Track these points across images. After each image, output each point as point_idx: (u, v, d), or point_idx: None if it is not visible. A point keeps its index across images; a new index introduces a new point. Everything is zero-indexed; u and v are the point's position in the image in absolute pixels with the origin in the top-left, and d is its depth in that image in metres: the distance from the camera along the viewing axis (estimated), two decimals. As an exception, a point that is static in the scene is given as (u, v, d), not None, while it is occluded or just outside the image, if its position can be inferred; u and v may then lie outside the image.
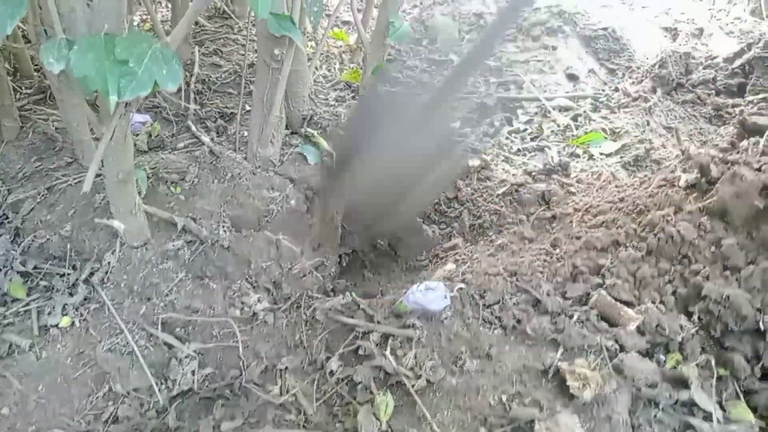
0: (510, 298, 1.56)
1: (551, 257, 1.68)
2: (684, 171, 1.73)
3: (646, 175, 1.89)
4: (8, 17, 1.04)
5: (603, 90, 3.22)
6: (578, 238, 1.71)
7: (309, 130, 2.13)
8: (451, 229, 2.15)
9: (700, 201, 1.58)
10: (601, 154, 2.44)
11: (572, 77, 3.32)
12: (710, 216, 1.52)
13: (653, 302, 1.46)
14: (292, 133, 2.20)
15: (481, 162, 2.30)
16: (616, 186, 1.90)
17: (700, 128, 2.68)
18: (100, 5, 1.11)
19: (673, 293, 1.47)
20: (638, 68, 3.34)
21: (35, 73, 2.50)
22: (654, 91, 2.88)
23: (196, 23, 3.06)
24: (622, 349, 1.37)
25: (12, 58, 2.48)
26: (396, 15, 2.21)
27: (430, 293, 1.58)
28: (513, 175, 2.23)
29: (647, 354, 1.39)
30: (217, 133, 2.20)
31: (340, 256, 2.28)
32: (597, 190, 1.95)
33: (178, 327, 1.57)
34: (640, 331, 1.41)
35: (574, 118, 2.78)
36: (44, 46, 1.07)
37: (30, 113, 2.29)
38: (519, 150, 2.58)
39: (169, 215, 1.69)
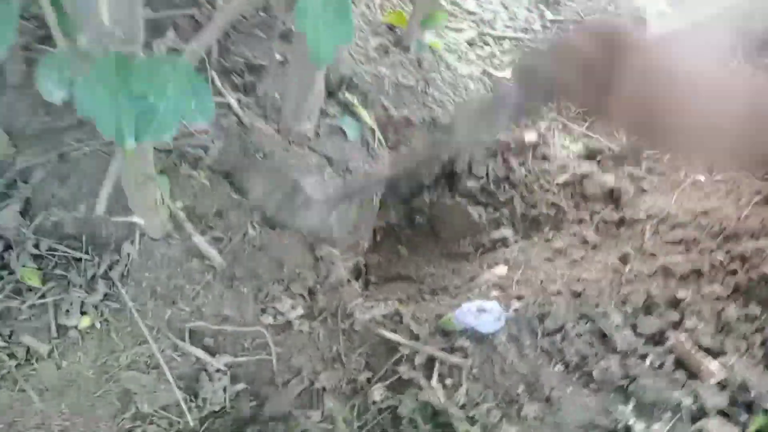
0: (572, 327, 1.41)
1: (620, 277, 1.50)
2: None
3: (733, 181, 1.65)
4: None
5: (672, 35, 2.85)
6: (652, 255, 1.52)
7: (348, 96, 1.87)
8: (500, 215, 1.95)
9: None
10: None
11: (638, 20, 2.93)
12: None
13: (737, 351, 1.31)
14: (327, 95, 1.94)
15: (538, 137, 2.05)
16: (697, 191, 1.67)
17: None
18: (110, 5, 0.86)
19: (763, 344, 1.30)
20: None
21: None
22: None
23: (212, 5, 2.67)
24: (701, 409, 1.23)
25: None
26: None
27: (483, 315, 1.43)
28: (575, 157, 1.98)
29: (726, 413, 1.26)
30: (245, 91, 1.94)
31: (374, 230, 2.11)
32: (673, 190, 1.72)
33: (207, 337, 1.44)
34: (722, 385, 1.27)
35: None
36: (42, 67, 0.84)
37: (36, 54, 2.03)
38: (579, 113, 2.30)
39: (194, 233, 1.49)
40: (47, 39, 2.09)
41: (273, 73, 1.91)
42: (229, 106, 1.84)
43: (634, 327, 1.39)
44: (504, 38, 2.90)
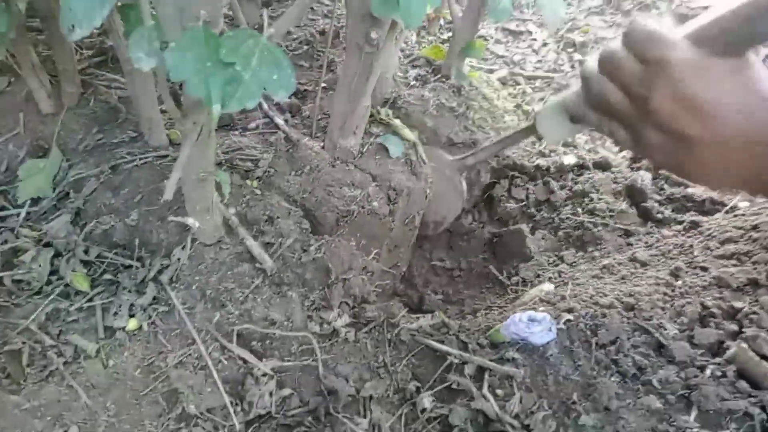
0: (627, 339, 1.38)
1: (673, 290, 1.47)
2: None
3: (782, 198, 1.64)
4: (98, 5, 0.86)
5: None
6: (704, 269, 1.50)
7: (391, 115, 1.92)
8: (542, 237, 1.94)
9: None
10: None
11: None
12: None
13: (803, 361, 1.26)
14: (371, 118, 2.00)
15: (578, 159, 2.07)
16: (744, 209, 1.66)
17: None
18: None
19: (830, 353, 1.26)
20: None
21: (95, 33, 2.32)
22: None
23: (262, -20, 2.83)
24: (770, 419, 1.18)
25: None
26: (497, -12, 1.95)
27: (534, 325, 1.40)
28: (615, 177, 1.99)
29: (796, 425, 1.20)
30: (291, 112, 2.01)
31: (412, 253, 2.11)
32: (717, 208, 1.71)
33: (254, 340, 1.43)
34: (789, 397, 1.22)
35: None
36: (132, 38, 0.88)
37: (91, 77, 2.12)
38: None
39: (247, 236, 1.52)
40: (102, 64, 2.21)
41: (317, 97, 1.98)
42: (276, 126, 1.90)
43: (690, 338, 1.36)
44: (535, 78, 2.99)
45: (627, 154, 2.19)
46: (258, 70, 0.88)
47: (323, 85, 2.08)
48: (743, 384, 1.24)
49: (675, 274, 1.53)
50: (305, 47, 2.36)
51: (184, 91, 1.15)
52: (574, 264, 1.77)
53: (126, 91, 2.06)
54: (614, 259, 1.68)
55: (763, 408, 1.18)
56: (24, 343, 1.39)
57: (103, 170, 1.77)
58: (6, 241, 1.68)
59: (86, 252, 1.64)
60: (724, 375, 1.26)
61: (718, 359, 1.30)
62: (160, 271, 1.54)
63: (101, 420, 1.26)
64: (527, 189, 2.04)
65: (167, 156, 1.77)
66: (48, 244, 1.67)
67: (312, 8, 2.69)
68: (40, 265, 1.63)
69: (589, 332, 1.41)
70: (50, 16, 1.76)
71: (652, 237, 1.75)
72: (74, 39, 0.90)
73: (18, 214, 1.76)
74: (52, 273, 1.62)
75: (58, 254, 1.66)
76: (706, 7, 3.27)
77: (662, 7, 3.25)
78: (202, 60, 0.87)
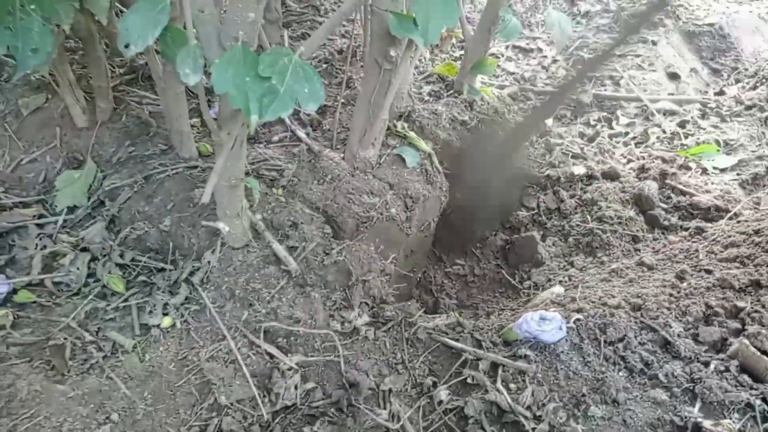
0: (634, 336, 1.45)
1: (678, 291, 1.54)
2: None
3: (783, 205, 1.71)
4: (151, 26, 0.97)
5: (706, 91, 2.99)
6: (709, 272, 1.57)
7: (407, 127, 2.02)
8: (552, 244, 2.02)
9: None
10: (715, 168, 2.25)
11: (673, 76, 3.09)
12: None
13: (803, 357, 1.32)
14: (387, 131, 2.10)
15: (587, 170, 2.15)
16: (747, 216, 1.73)
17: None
18: (235, 13, 1.02)
19: (829, 349, 1.32)
20: (746, 70, 3.09)
21: (127, 52, 2.46)
22: (771, 99, 2.64)
23: (282, 3, 2.97)
24: (771, 409, 1.24)
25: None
26: (507, 9, 2.06)
27: (545, 323, 1.47)
28: (623, 187, 2.07)
29: (797, 416, 1.26)
30: (312, 126, 2.12)
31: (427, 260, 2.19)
32: (722, 215, 1.78)
33: (280, 337, 1.51)
34: (790, 389, 1.28)
35: (682, 125, 2.57)
36: (180, 56, 0.99)
37: (122, 94, 2.25)
38: (623, 156, 2.41)
39: (273, 240, 1.62)
40: (133, 81, 2.34)
41: (337, 112, 2.09)
42: (299, 138, 2.00)
43: (695, 336, 1.42)
44: (545, 93, 3.08)
45: (634, 164, 2.27)
46: (291, 84, 0.99)
47: (342, 101, 2.19)
48: (745, 377, 1.30)
49: (681, 276, 1.60)
50: (324, 65, 2.48)
51: (221, 104, 1.26)
52: (583, 268, 1.84)
53: (156, 107, 2.18)
54: (622, 263, 1.75)
55: (764, 399, 1.25)
56: (66, 338, 1.49)
57: (137, 180, 1.88)
58: (45, 247, 1.80)
59: (121, 256, 1.75)
60: (727, 369, 1.33)
61: (721, 355, 1.37)
62: (191, 273, 1.64)
63: (139, 408, 1.34)
64: (538, 198, 2.12)
65: (197, 167, 1.88)
66: (85, 249, 1.78)
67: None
68: (78, 268, 1.73)
69: (597, 330, 1.47)
70: (89, 37, 1.88)
71: (658, 242, 1.82)
72: (129, 56, 1.01)
73: (56, 222, 1.88)
74: (89, 275, 1.73)
75: (94, 258, 1.77)
76: (711, 24, 3.37)
77: (669, 25, 3.34)
78: (242, 75, 0.97)
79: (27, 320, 1.55)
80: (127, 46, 1.00)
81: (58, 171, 2.01)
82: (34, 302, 1.61)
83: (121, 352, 1.48)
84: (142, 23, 0.98)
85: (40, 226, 1.87)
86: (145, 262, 1.73)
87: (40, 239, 1.83)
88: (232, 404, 1.40)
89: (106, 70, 2.07)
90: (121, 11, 2.46)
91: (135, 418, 1.33)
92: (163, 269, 1.70)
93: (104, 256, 1.76)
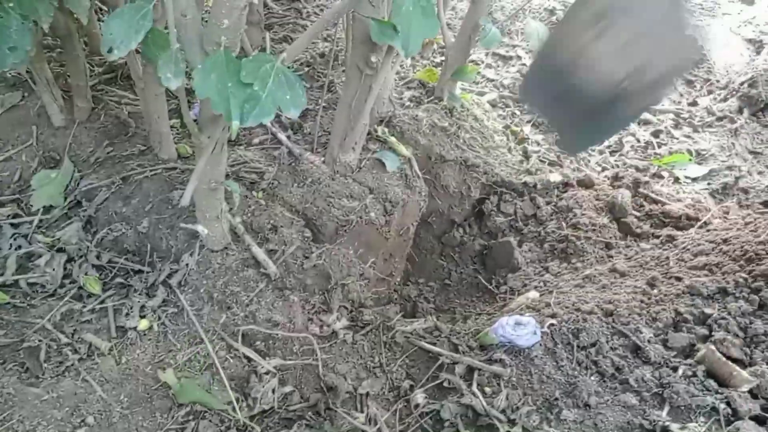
0: (606, 341, 1.48)
1: (649, 298, 1.59)
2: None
3: (749, 214, 1.77)
4: (134, 31, 0.97)
5: (680, 102, 3.07)
6: (678, 279, 1.62)
7: (387, 132, 2.04)
8: (528, 250, 2.06)
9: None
10: (687, 178, 2.31)
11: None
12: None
13: (766, 361, 1.37)
14: (368, 135, 2.12)
15: (563, 177, 2.20)
16: (716, 225, 1.78)
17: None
18: (218, 18, 1.03)
19: (790, 355, 1.37)
20: (718, 82, 3.17)
21: (107, 51, 2.43)
22: (740, 111, 2.73)
23: (264, 5, 2.97)
24: (735, 413, 1.28)
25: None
26: (486, 18, 2.09)
27: (520, 328, 1.50)
28: (597, 195, 2.12)
29: (758, 420, 1.30)
30: (292, 129, 2.12)
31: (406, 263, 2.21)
32: (692, 223, 1.84)
33: (258, 340, 1.52)
34: (753, 394, 1.32)
35: (656, 134, 2.64)
36: (162, 60, 0.99)
37: (101, 93, 2.23)
38: (598, 164, 2.47)
39: (252, 243, 1.62)
40: (112, 81, 2.32)
41: (318, 115, 2.10)
42: (279, 141, 2.01)
43: (664, 342, 1.47)
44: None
45: (609, 173, 2.33)
46: (273, 91, 1.00)
47: (323, 104, 2.20)
48: (711, 382, 1.34)
49: (651, 283, 1.64)
50: (306, 68, 2.49)
51: (202, 108, 1.26)
52: (558, 274, 1.88)
53: (135, 107, 2.16)
54: (596, 269, 1.80)
55: (728, 403, 1.29)
56: (41, 340, 1.47)
57: (114, 181, 1.86)
58: (20, 247, 1.77)
59: (98, 257, 1.73)
60: (694, 374, 1.37)
61: (689, 360, 1.41)
62: (169, 276, 1.63)
63: (115, 411, 1.34)
64: (515, 204, 2.16)
65: (176, 168, 1.87)
66: (61, 250, 1.76)
67: (306, 29, 2.82)
68: (53, 269, 1.72)
69: (571, 335, 1.51)
70: (68, 35, 1.86)
71: (631, 250, 1.87)
72: (112, 59, 1.01)
73: (31, 222, 1.85)
74: (65, 277, 1.71)
75: (70, 259, 1.75)
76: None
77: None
78: (224, 81, 0.98)
79: (1, 322, 1.53)
80: (110, 51, 1.00)
81: (34, 170, 1.98)
82: (8, 303, 1.59)
83: (97, 355, 1.47)
84: (125, 28, 0.98)
85: (14, 225, 1.84)
86: (122, 264, 1.72)
87: (15, 239, 1.80)
88: (209, 408, 1.40)
89: (85, 69, 2.05)
90: (101, 9, 2.44)
91: (111, 421, 1.32)
92: (140, 271, 1.69)
93: (81, 257, 1.75)
